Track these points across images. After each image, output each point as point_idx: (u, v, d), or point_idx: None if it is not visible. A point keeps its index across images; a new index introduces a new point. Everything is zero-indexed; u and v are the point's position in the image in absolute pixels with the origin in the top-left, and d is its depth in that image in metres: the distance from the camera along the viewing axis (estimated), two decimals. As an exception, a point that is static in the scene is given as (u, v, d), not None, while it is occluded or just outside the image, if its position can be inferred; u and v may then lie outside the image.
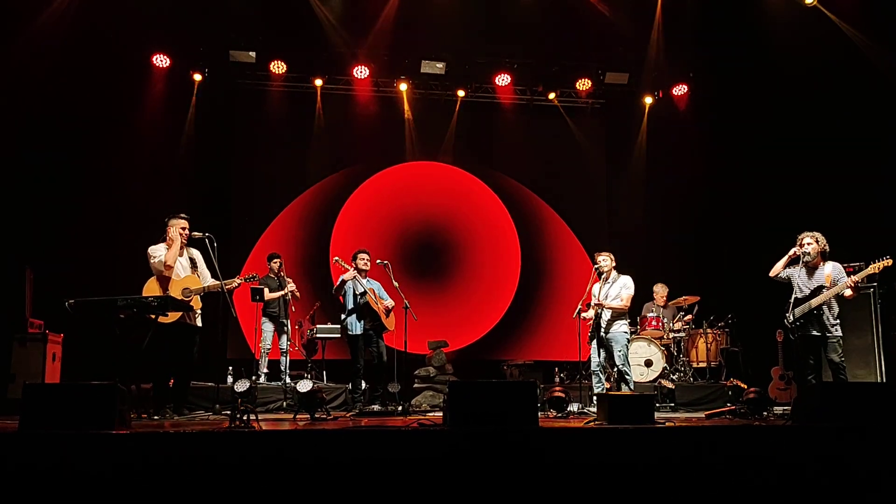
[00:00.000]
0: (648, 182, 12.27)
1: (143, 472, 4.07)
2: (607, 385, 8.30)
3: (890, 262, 6.93)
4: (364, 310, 8.39)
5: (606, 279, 8.13)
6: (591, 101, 12.63)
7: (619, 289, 8.05)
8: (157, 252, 7.05)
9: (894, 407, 5.02)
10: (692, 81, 12.00)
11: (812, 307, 7.06)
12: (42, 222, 9.71)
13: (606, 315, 8.04)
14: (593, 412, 7.56)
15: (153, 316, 6.60)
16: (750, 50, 10.49)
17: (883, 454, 4.60)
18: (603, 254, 8.23)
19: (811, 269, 7.21)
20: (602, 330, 8.07)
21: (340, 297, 8.54)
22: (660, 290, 10.58)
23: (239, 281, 7.63)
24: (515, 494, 4.27)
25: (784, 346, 9.42)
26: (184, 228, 7.21)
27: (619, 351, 8.00)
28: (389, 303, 8.56)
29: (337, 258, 8.67)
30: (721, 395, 9.42)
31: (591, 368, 8.22)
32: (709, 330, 10.22)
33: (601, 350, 8.15)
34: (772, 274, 7.47)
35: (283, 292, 9.63)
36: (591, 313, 8.19)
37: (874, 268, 6.99)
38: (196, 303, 7.14)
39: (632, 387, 8.01)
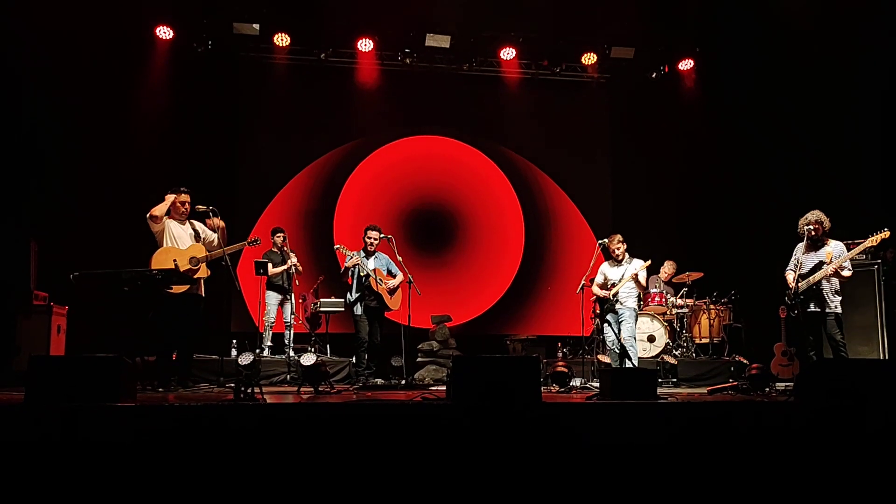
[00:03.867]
0: (653, 157, 12.21)
1: (149, 444, 4.10)
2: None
3: (887, 234, 6.93)
4: (366, 291, 8.45)
5: (620, 261, 8.15)
6: (597, 76, 12.52)
7: (636, 269, 8.04)
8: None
9: (894, 384, 5.03)
10: (698, 56, 11.91)
11: (812, 283, 7.07)
12: (47, 194, 9.71)
13: (624, 292, 8.06)
14: (596, 387, 7.60)
15: (162, 288, 6.66)
16: (756, 25, 10.38)
17: (882, 431, 4.62)
18: (618, 237, 8.23)
19: (814, 247, 7.21)
20: (614, 305, 8.11)
21: (348, 279, 8.60)
22: (667, 267, 10.58)
23: (243, 244, 7.72)
24: (519, 468, 4.30)
25: (787, 323, 9.43)
26: (182, 203, 7.25)
27: (630, 324, 8.05)
28: (393, 283, 8.58)
29: (337, 246, 8.69)
30: (723, 370, 9.45)
31: (608, 347, 8.26)
32: (712, 306, 10.23)
33: (607, 326, 8.22)
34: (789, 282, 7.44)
35: (285, 266, 9.64)
36: (601, 293, 8.22)
37: (872, 240, 7.01)
38: (203, 271, 7.18)
39: (635, 362, 8.05)
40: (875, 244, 7.04)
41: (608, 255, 8.30)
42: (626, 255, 8.19)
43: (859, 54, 9.49)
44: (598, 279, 8.34)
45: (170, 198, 7.17)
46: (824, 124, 9.87)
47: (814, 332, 7.19)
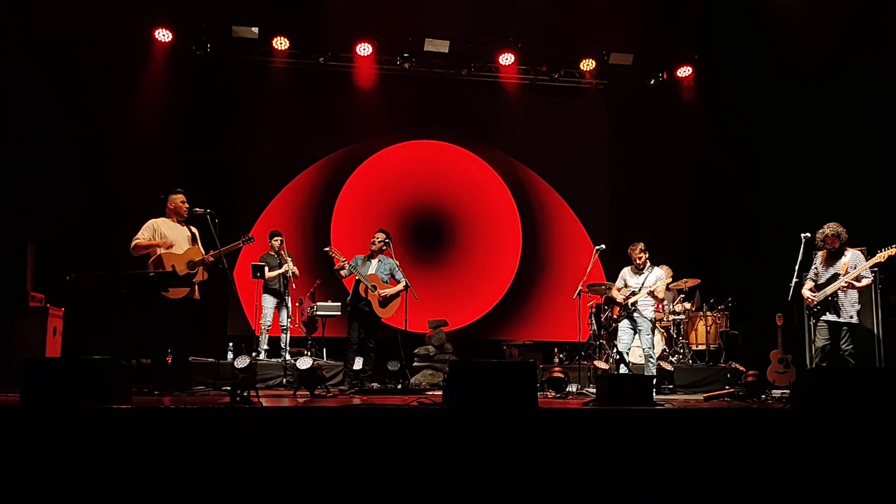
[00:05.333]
0: (650, 164, 12.23)
1: (144, 446, 4.09)
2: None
3: (895, 250, 6.95)
4: (357, 296, 8.42)
5: (641, 270, 8.19)
6: (595, 82, 12.53)
7: (655, 279, 8.08)
8: (144, 233, 7.03)
9: (892, 391, 5.03)
10: (696, 63, 11.93)
11: (828, 294, 7.10)
12: (44, 196, 9.68)
13: (642, 301, 8.09)
14: (592, 393, 7.60)
15: (158, 290, 6.64)
16: (755, 31, 10.40)
17: (879, 439, 4.62)
18: (640, 245, 8.27)
19: (831, 258, 7.25)
20: (632, 313, 8.16)
21: (345, 281, 8.61)
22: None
23: (237, 244, 7.64)
24: (514, 474, 4.29)
25: (783, 330, 9.44)
26: (182, 202, 7.23)
27: (648, 335, 8.12)
28: (389, 291, 8.49)
29: (326, 249, 8.58)
30: (720, 377, 9.46)
31: (620, 349, 8.27)
32: (709, 313, 10.24)
33: (620, 331, 8.26)
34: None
35: (282, 270, 9.63)
36: (619, 297, 8.27)
37: (880, 256, 7.04)
38: (201, 275, 7.13)
39: (654, 371, 8.14)
40: (883, 261, 7.06)
41: (628, 261, 8.33)
42: (648, 264, 8.23)
43: (860, 59, 9.48)
44: (619, 283, 8.38)
45: (152, 247, 7.03)
46: (822, 131, 9.86)
47: (824, 339, 7.20)
